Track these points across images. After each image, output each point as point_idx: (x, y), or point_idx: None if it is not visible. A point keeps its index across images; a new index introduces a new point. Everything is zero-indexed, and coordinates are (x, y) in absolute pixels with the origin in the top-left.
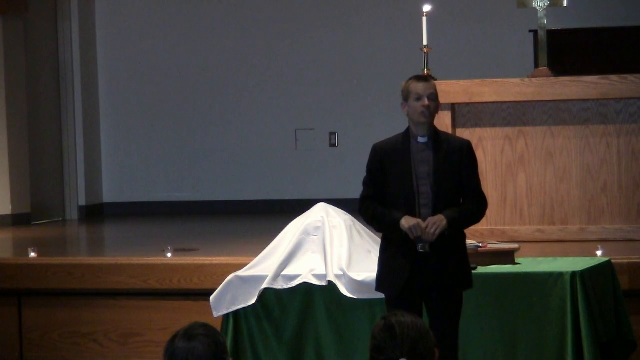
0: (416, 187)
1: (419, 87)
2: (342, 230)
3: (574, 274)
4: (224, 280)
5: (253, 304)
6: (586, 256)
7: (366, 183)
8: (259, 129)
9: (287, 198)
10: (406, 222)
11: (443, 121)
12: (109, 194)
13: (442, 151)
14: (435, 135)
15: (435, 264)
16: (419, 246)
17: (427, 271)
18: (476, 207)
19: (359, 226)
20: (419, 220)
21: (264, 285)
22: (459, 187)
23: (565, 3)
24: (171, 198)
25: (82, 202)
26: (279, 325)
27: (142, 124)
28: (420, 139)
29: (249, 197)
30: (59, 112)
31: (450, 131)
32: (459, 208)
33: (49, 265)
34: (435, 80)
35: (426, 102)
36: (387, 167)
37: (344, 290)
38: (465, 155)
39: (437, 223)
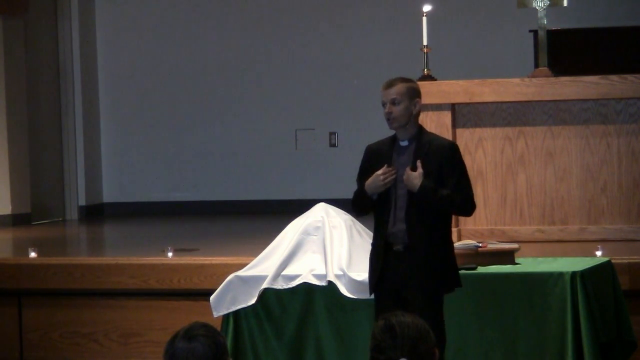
0: (393, 189)
1: (382, 94)
2: (342, 230)
3: (574, 274)
4: (224, 280)
5: (253, 304)
6: (586, 256)
7: (357, 182)
8: (259, 129)
9: (287, 198)
10: (369, 181)
11: (443, 121)
12: (109, 194)
13: (422, 154)
14: (419, 137)
15: (409, 263)
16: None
17: (400, 270)
18: (458, 198)
19: (359, 226)
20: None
21: (264, 285)
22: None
23: (565, 3)
24: (171, 198)
25: (82, 202)
26: (279, 325)
27: (142, 124)
28: (401, 143)
29: (249, 197)
30: (59, 112)
31: (450, 131)
32: (440, 188)
33: (49, 265)
34: (435, 80)
35: (386, 109)
36: (373, 168)
37: (344, 290)
38: (445, 155)
39: (410, 175)
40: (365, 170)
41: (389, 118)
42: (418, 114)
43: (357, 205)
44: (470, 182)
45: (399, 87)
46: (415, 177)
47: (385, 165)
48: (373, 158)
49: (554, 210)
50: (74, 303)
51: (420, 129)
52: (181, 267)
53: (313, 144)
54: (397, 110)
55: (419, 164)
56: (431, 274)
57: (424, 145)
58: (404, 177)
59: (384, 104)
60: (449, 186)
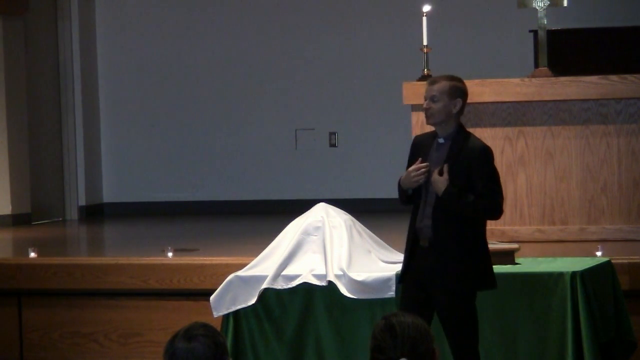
0: (425, 184)
1: (425, 89)
2: (342, 230)
3: (574, 274)
4: (224, 280)
5: (253, 304)
6: (586, 256)
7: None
8: (259, 129)
9: (287, 198)
10: (403, 176)
11: None
12: (109, 194)
13: (455, 153)
14: (457, 136)
15: (433, 260)
16: (421, 240)
17: (424, 266)
18: (482, 203)
19: (359, 226)
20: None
21: (264, 286)
22: (465, 190)
23: (565, 3)
24: (171, 198)
25: (82, 202)
26: (279, 325)
27: (142, 124)
28: (439, 140)
29: (249, 197)
30: (59, 112)
31: None
32: (466, 194)
33: (49, 265)
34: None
35: (424, 104)
36: (414, 160)
37: (344, 290)
38: (475, 158)
39: (436, 179)
40: (410, 161)
41: (426, 114)
42: (459, 113)
43: (399, 197)
44: (499, 186)
45: (441, 85)
46: (440, 181)
47: (419, 160)
48: (415, 150)
49: (554, 210)
50: (74, 303)
51: (460, 128)
52: (181, 267)
53: (313, 144)
54: (435, 107)
55: (445, 168)
56: (454, 272)
57: (458, 145)
58: (432, 179)
59: (425, 99)
60: (477, 189)
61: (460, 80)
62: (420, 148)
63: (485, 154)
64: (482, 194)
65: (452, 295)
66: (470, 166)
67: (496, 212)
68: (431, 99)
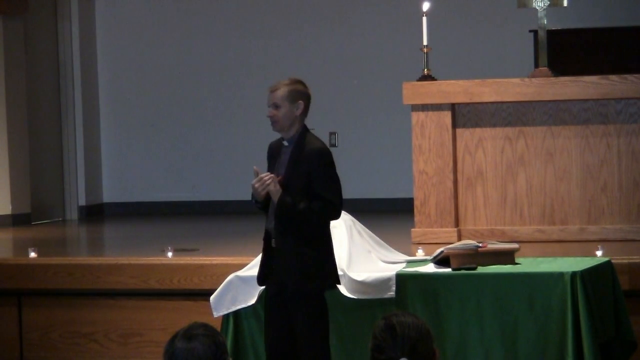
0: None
1: (268, 96)
2: (342, 230)
3: (574, 274)
4: (224, 280)
5: (253, 304)
6: (586, 256)
7: None
8: (259, 128)
9: None
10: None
11: (443, 121)
12: (109, 194)
13: (296, 156)
14: (299, 139)
15: (282, 260)
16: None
17: (276, 269)
18: (316, 206)
19: (359, 226)
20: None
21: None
22: (306, 193)
23: (565, 3)
24: (171, 198)
25: (82, 202)
26: None
27: (142, 124)
28: (285, 143)
29: (249, 197)
30: (59, 112)
31: (450, 131)
32: (300, 201)
33: (49, 265)
34: (435, 80)
35: (268, 112)
36: (269, 165)
37: (344, 291)
38: (313, 162)
39: (269, 184)
40: (268, 167)
41: (271, 122)
42: (302, 115)
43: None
44: (336, 186)
45: (281, 91)
46: (274, 192)
47: (256, 173)
48: (270, 156)
49: (554, 210)
50: (74, 303)
51: (303, 130)
52: (181, 267)
53: None
54: (278, 114)
55: (281, 178)
56: (297, 272)
57: (299, 147)
58: (268, 189)
59: (268, 106)
60: (314, 193)
61: (300, 83)
62: (273, 153)
63: (321, 156)
64: (318, 196)
65: (298, 294)
66: (309, 171)
67: (328, 211)
68: (273, 106)
